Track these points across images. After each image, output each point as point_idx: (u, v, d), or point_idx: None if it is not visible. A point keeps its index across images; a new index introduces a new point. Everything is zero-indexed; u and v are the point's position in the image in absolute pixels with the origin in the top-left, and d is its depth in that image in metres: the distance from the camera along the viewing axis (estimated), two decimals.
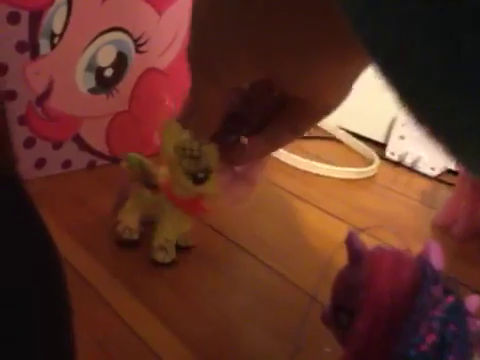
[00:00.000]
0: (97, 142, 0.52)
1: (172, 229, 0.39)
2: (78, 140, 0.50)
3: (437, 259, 0.19)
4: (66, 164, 0.51)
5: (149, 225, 0.40)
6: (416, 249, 0.22)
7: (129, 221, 0.40)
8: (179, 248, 0.40)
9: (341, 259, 0.27)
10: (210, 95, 0.20)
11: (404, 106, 0.10)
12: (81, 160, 0.52)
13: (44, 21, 0.41)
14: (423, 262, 0.18)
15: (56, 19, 0.42)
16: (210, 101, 0.21)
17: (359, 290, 0.18)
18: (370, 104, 0.77)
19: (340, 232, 0.50)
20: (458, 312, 0.17)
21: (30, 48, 0.42)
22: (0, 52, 0.40)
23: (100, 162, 0.54)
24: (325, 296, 0.23)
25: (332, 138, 0.77)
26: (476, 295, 0.21)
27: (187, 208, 0.38)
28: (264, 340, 0.33)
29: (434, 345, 0.15)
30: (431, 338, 0.16)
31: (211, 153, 0.33)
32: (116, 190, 0.42)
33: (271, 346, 0.33)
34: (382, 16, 0.08)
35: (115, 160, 0.55)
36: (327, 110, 0.20)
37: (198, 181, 0.34)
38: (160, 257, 0.39)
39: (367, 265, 0.19)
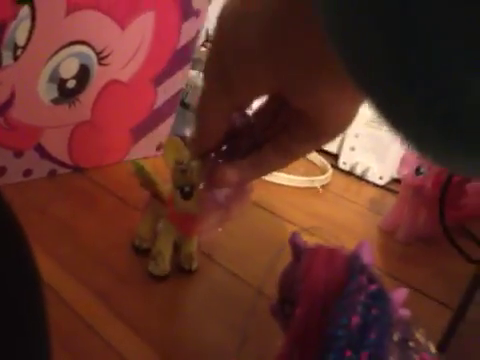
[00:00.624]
0: (59, 151, 0.53)
1: (166, 242, 0.39)
2: (39, 149, 0.51)
3: (366, 254, 0.22)
4: (27, 173, 0.51)
5: None
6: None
7: (142, 230, 0.42)
8: (182, 270, 0.41)
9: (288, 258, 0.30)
10: (216, 109, 0.21)
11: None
12: (42, 169, 0.53)
13: (7, 33, 0.42)
14: (352, 256, 0.21)
15: (19, 31, 0.43)
16: (214, 116, 0.21)
17: (298, 282, 0.21)
18: None
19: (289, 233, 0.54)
20: (380, 298, 0.20)
21: None
22: None
23: (61, 171, 0.55)
24: (272, 291, 0.26)
25: None
26: (404, 288, 0.24)
27: (178, 224, 0.39)
28: (218, 334, 0.35)
29: (358, 326, 0.18)
30: (355, 320, 0.18)
31: (198, 169, 0.35)
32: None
33: (225, 339, 0.35)
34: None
35: (76, 169, 0.56)
36: (331, 131, 0.20)
37: (184, 195, 0.36)
38: (150, 268, 0.39)
39: (305, 260, 0.22)
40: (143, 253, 0.42)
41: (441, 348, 0.21)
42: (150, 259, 0.40)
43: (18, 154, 0.49)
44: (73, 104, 0.52)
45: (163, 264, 0.39)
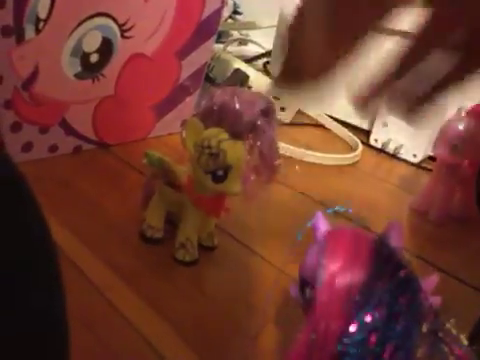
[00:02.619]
0: (83, 127, 0.53)
1: (193, 228, 0.38)
2: (64, 125, 0.51)
3: (396, 236, 0.21)
4: (53, 148, 0.51)
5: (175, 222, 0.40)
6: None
7: (153, 219, 0.40)
8: (203, 248, 0.40)
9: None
10: None
11: None
12: (67, 144, 0.53)
13: (29, 6, 0.42)
14: (379, 239, 0.20)
15: (41, 4, 0.42)
16: None
17: (320, 266, 0.20)
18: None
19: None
20: (409, 285, 0.18)
21: (15, 33, 0.42)
22: None
23: (86, 146, 0.55)
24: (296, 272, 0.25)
25: (318, 125, 0.78)
26: (435, 275, 0.23)
27: (208, 208, 0.38)
28: (240, 314, 0.35)
29: (383, 315, 0.17)
30: (381, 308, 0.17)
31: (230, 151, 0.34)
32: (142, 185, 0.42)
33: (246, 320, 0.34)
34: None
35: (101, 145, 0.56)
36: None
37: (217, 179, 0.34)
38: (180, 256, 0.38)
39: (327, 243, 0.20)
40: (155, 242, 0.40)
41: (473, 339, 0.19)
42: (178, 247, 0.39)
43: (43, 130, 0.50)
44: (97, 79, 0.51)
45: (193, 250, 0.39)
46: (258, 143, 0.35)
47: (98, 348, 0.30)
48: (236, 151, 0.34)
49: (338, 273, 0.19)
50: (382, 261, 0.19)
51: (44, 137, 0.50)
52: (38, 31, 0.43)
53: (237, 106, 0.35)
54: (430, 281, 0.22)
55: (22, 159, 0.48)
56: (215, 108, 0.35)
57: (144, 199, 0.42)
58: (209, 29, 0.58)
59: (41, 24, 0.43)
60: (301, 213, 0.52)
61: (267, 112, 0.36)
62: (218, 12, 0.58)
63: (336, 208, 0.24)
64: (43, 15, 0.43)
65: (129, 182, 0.51)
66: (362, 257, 0.19)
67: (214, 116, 0.35)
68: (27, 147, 0.49)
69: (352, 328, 0.17)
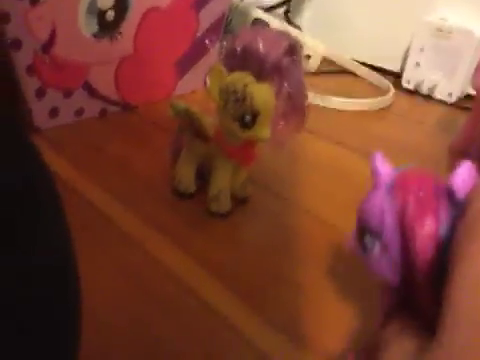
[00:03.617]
0: (107, 89, 0.53)
1: (225, 179, 0.37)
2: (88, 87, 0.51)
3: (465, 181, 0.19)
4: (79, 112, 0.51)
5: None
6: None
7: (184, 174, 0.39)
8: (236, 199, 0.39)
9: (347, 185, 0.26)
10: None
11: None
12: (93, 108, 0.52)
13: None
14: (449, 189, 0.18)
15: None
16: None
17: (385, 213, 0.19)
18: (383, 32, 0.74)
19: (357, 164, 0.51)
20: None
21: None
22: (1, 0, 0.39)
23: (112, 109, 0.54)
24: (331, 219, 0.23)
25: (347, 71, 0.75)
26: None
27: (238, 157, 0.37)
28: (279, 263, 0.34)
29: None
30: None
31: (257, 94, 0.32)
32: (170, 140, 0.41)
33: (285, 269, 0.34)
34: None
35: (126, 106, 0.55)
36: None
37: (245, 125, 0.33)
38: (214, 208, 0.38)
39: (394, 188, 0.19)
40: (188, 197, 0.40)
41: None
42: (211, 200, 0.38)
43: (68, 94, 0.49)
44: (115, 38, 0.50)
45: (226, 201, 0.38)
46: (285, 85, 0.34)
47: (141, 297, 0.30)
48: (263, 94, 0.33)
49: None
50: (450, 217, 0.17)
51: (69, 101, 0.50)
52: None
53: (261, 47, 0.33)
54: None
55: (50, 125, 0.49)
56: (238, 51, 0.33)
57: (173, 154, 0.41)
58: None
59: None
60: (335, 161, 0.51)
61: (292, 51, 0.34)
62: None
63: (401, 166, 0.22)
64: None
65: (156, 142, 0.50)
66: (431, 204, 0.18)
67: (237, 59, 0.34)
68: (53, 113, 0.49)
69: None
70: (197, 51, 0.59)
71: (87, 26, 0.47)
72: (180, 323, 0.29)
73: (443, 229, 0.17)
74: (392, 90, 0.66)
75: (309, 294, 0.32)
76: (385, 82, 0.69)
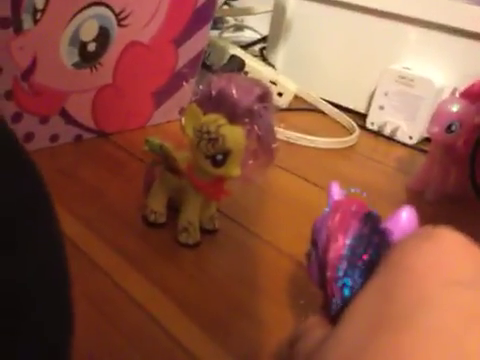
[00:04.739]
0: (83, 116, 0.54)
1: (195, 211, 0.39)
2: (64, 114, 0.52)
3: (408, 221, 0.21)
4: (54, 138, 0.52)
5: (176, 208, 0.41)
6: (388, 213, 0.24)
7: (155, 205, 0.41)
8: (205, 231, 0.41)
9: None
10: None
11: None
12: (68, 134, 0.53)
13: None
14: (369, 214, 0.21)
15: None
16: None
17: (321, 227, 0.21)
18: (351, 76, 0.79)
19: (321, 199, 0.53)
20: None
21: (13, 24, 0.42)
22: None
23: (87, 135, 0.55)
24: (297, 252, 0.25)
25: (316, 110, 0.79)
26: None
27: (208, 192, 0.39)
28: (243, 295, 0.36)
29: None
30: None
31: (229, 135, 0.35)
32: (143, 171, 0.43)
33: (249, 300, 0.36)
34: None
35: (101, 134, 0.57)
36: None
37: (217, 163, 0.35)
38: (183, 239, 0.40)
39: (330, 210, 0.22)
40: (158, 227, 0.42)
41: None
42: (180, 231, 0.40)
43: (44, 120, 0.50)
44: (95, 68, 0.51)
45: (195, 233, 0.40)
46: (255, 127, 0.36)
47: (106, 326, 0.31)
48: (235, 136, 0.35)
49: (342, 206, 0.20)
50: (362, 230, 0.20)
51: (45, 127, 0.51)
52: (36, 21, 0.44)
53: (234, 92, 0.35)
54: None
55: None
56: (213, 94, 0.36)
57: (145, 185, 0.42)
58: (205, 16, 0.58)
59: (39, 14, 0.44)
60: (300, 196, 0.54)
61: (264, 97, 0.37)
62: None
63: (351, 190, 0.25)
64: (40, 5, 0.43)
65: (130, 170, 0.52)
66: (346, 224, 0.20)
67: (212, 102, 0.36)
68: (28, 137, 0.50)
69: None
70: (175, 84, 0.61)
71: (68, 56, 0.48)
72: (143, 352, 0.30)
73: (348, 247, 0.20)
74: (357, 130, 0.70)
75: (270, 327, 0.33)
76: (351, 122, 0.73)
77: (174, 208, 0.42)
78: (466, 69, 0.67)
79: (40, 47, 0.46)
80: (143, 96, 0.59)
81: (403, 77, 0.69)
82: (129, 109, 0.58)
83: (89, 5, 0.47)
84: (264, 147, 0.38)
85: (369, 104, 0.75)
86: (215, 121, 0.35)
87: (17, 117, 0.47)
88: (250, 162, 0.38)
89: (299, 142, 0.65)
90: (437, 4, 0.69)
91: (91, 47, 0.50)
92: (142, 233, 0.41)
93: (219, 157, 0.35)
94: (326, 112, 0.78)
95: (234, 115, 0.35)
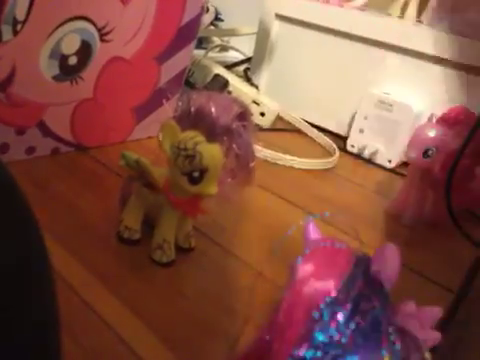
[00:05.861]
0: (61, 129, 0.53)
1: (170, 229, 0.39)
2: (42, 127, 0.51)
3: (390, 261, 0.20)
4: (30, 150, 0.51)
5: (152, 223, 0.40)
6: (367, 235, 0.23)
7: (130, 221, 0.40)
8: (180, 249, 0.40)
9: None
10: None
11: None
12: (45, 146, 0.53)
13: (6, 7, 0.42)
14: (360, 258, 0.20)
15: (19, 6, 0.42)
16: None
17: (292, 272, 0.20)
18: (333, 98, 0.80)
19: (299, 218, 0.53)
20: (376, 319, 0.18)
21: None
22: None
23: (64, 149, 0.54)
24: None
25: (297, 130, 0.79)
26: (437, 308, 0.21)
27: (185, 209, 0.38)
28: (218, 316, 0.35)
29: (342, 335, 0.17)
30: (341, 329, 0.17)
31: (206, 153, 0.34)
32: (119, 187, 0.42)
33: (224, 321, 0.35)
34: None
35: (79, 147, 0.56)
36: None
37: (193, 181, 0.35)
38: (157, 256, 0.39)
39: (304, 256, 0.21)
40: (132, 244, 0.41)
41: (444, 327, 0.20)
42: (154, 248, 0.39)
43: (20, 131, 0.49)
44: (75, 81, 0.51)
45: (170, 251, 0.39)
46: (234, 146, 0.36)
47: (73, 346, 0.30)
48: (212, 153, 0.35)
49: (307, 280, 0.19)
50: (355, 278, 0.19)
51: (21, 139, 0.50)
52: (16, 33, 0.43)
53: (213, 110, 0.35)
54: (429, 312, 0.20)
55: None
56: (192, 111, 0.36)
57: (121, 201, 0.42)
58: (189, 35, 0.59)
59: (19, 26, 0.43)
60: (279, 216, 0.53)
61: (243, 116, 0.37)
62: (198, 18, 0.58)
63: (321, 214, 0.24)
64: (21, 17, 0.43)
65: (106, 184, 0.51)
66: (337, 269, 0.19)
67: (190, 119, 0.36)
68: (3, 149, 0.48)
69: (303, 348, 0.17)
70: (156, 100, 0.61)
71: (48, 69, 0.48)
72: None
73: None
74: (337, 153, 0.71)
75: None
76: (331, 144, 0.74)
77: (149, 225, 0.41)
78: (443, 96, 0.69)
79: (19, 58, 0.45)
80: (123, 111, 0.59)
81: (382, 102, 0.70)
82: (109, 124, 0.58)
83: (71, 19, 0.47)
84: (242, 166, 0.37)
85: (350, 127, 0.76)
86: (192, 138, 0.35)
87: None
88: (228, 180, 0.38)
89: (279, 162, 0.65)
90: (415, 32, 0.71)
91: (72, 61, 0.49)
92: (115, 250, 0.40)
93: (196, 174, 0.35)
94: (307, 133, 0.78)
95: (212, 133, 0.35)
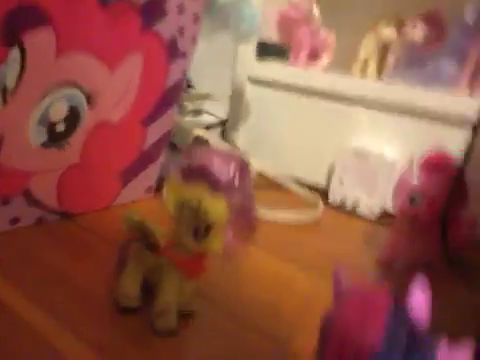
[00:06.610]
0: (47, 197, 0.51)
1: (172, 292, 0.37)
2: (27, 195, 0.49)
3: (419, 304, 0.20)
4: (14, 221, 0.49)
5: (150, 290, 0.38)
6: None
7: (128, 287, 0.38)
8: (182, 315, 0.38)
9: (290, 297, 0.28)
10: None
11: None
12: (30, 216, 0.50)
13: None
14: (396, 307, 0.20)
15: (9, 74, 0.42)
16: None
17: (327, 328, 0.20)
18: (310, 153, 0.82)
19: (296, 274, 0.52)
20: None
21: None
22: None
23: (50, 217, 0.52)
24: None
25: (278, 186, 0.80)
26: (467, 348, 0.21)
27: (188, 269, 0.37)
28: None
29: None
30: None
31: (211, 208, 0.34)
32: (116, 249, 0.41)
33: None
34: None
35: (65, 215, 0.54)
36: None
37: (199, 237, 0.34)
38: (160, 324, 0.36)
39: (337, 306, 0.20)
40: (130, 312, 0.38)
41: None
42: (157, 315, 0.37)
43: (5, 201, 0.47)
44: (62, 148, 0.50)
45: (173, 317, 0.37)
46: (236, 198, 0.36)
47: None
48: (217, 208, 0.35)
49: (349, 331, 0.19)
50: (396, 330, 0.19)
51: (5, 209, 0.47)
52: (5, 101, 0.43)
53: (214, 167, 0.36)
54: (462, 354, 0.20)
55: None
56: (194, 167, 0.36)
57: (118, 265, 0.40)
58: (172, 98, 0.60)
59: (8, 95, 0.43)
60: (275, 273, 0.52)
61: (242, 168, 0.37)
62: (180, 82, 0.60)
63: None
64: (11, 85, 0.43)
65: (96, 252, 0.49)
66: (376, 318, 0.19)
67: (193, 175, 0.36)
68: None
69: None
70: (142, 163, 0.61)
71: (36, 136, 0.47)
72: None
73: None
74: (321, 205, 0.72)
75: None
76: (314, 197, 0.75)
77: (147, 291, 0.39)
78: (413, 143, 0.73)
79: (8, 127, 0.44)
80: (110, 175, 0.58)
81: (358, 153, 0.73)
82: (95, 189, 0.56)
83: (60, 85, 0.47)
84: (246, 217, 0.37)
85: (329, 180, 0.78)
86: (197, 194, 0.34)
87: None
88: (230, 234, 0.38)
89: (265, 217, 0.65)
90: (378, 87, 0.76)
91: (60, 127, 0.49)
92: (112, 319, 0.38)
93: (201, 230, 0.34)
94: (290, 189, 0.79)
95: (215, 188, 0.35)
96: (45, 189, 0.51)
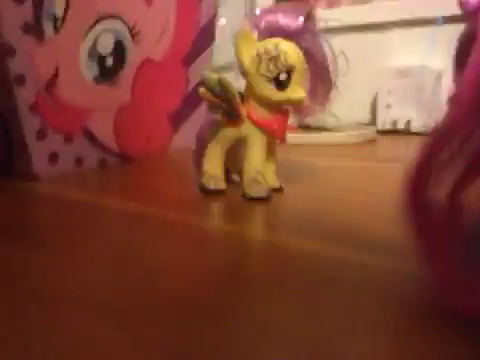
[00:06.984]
0: (106, 137, 0.51)
1: (260, 159, 0.35)
2: (88, 134, 0.49)
3: None
4: (79, 161, 0.49)
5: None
6: None
7: (214, 169, 0.37)
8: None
9: None
10: None
11: None
12: (92, 157, 0.50)
13: (45, 3, 0.42)
14: None
15: (57, 3, 0.43)
16: None
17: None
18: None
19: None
20: None
21: (35, 31, 0.42)
22: (7, 33, 0.40)
23: (111, 160, 0.52)
24: None
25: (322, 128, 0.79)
26: None
27: (272, 128, 0.35)
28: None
29: None
30: None
31: (290, 50, 0.33)
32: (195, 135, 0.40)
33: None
34: None
35: (124, 158, 0.54)
36: None
37: (281, 84, 0.33)
38: (252, 192, 0.35)
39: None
40: (219, 194, 0.37)
41: None
42: (248, 184, 0.35)
43: (68, 139, 0.47)
44: (114, 84, 0.51)
45: (265, 182, 0.35)
46: (309, 46, 0.35)
47: None
48: (295, 51, 0.34)
49: None
50: None
51: (69, 148, 0.47)
52: (56, 30, 0.44)
53: (281, 18, 0.35)
54: None
55: (49, 172, 0.45)
56: (262, 26, 0.35)
57: (199, 150, 0.39)
58: (208, 36, 0.61)
59: (59, 23, 0.44)
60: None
61: (309, 18, 0.36)
62: (213, 19, 0.61)
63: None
64: (60, 13, 0.44)
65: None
66: None
67: (262, 34, 0.35)
68: (53, 159, 0.46)
69: None
70: (188, 106, 0.60)
71: (88, 69, 0.48)
72: None
73: None
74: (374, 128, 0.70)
75: None
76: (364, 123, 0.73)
77: (228, 178, 0.38)
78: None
79: (61, 57, 0.45)
80: (161, 118, 0.58)
81: (400, 72, 0.72)
82: (149, 132, 0.56)
83: (104, 17, 0.48)
84: (319, 68, 0.36)
85: (375, 110, 0.76)
86: (271, 40, 0.34)
87: (41, 134, 0.44)
88: (308, 89, 0.36)
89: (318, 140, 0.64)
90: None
91: (109, 62, 0.49)
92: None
93: (283, 76, 0.33)
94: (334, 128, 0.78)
95: (288, 38, 0.34)
96: (103, 129, 0.51)
